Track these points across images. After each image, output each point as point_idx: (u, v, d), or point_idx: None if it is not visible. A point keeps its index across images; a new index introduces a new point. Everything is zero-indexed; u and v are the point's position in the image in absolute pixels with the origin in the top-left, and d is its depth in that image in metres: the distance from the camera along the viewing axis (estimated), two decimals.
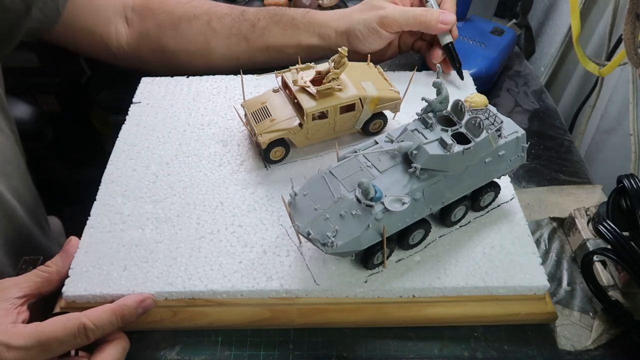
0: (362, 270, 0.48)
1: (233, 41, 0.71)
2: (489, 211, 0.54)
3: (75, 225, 0.53)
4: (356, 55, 0.67)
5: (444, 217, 0.50)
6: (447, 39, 0.67)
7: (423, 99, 0.47)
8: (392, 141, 0.48)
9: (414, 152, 0.44)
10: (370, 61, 0.62)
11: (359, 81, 0.58)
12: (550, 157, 0.67)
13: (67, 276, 0.47)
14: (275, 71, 0.58)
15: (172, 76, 0.69)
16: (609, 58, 0.73)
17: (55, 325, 0.41)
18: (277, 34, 0.70)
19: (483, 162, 0.47)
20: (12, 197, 0.59)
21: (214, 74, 0.70)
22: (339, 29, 0.67)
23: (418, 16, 0.63)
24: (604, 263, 0.52)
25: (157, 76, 0.70)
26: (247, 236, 0.51)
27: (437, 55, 0.68)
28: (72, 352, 0.44)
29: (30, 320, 0.44)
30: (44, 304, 0.47)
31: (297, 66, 0.57)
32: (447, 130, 0.45)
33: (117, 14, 0.72)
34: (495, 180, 0.52)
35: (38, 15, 0.65)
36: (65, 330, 0.41)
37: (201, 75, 0.70)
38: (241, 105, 0.59)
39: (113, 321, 0.43)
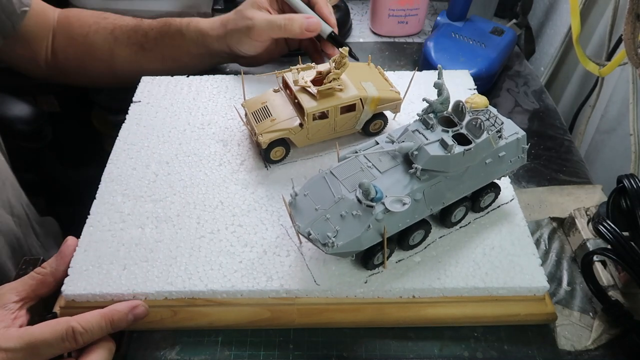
0: (362, 271, 0.48)
1: (133, 50, 0.72)
2: (489, 212, 0.54)
3: (75, 225, 0.53)
4: (243, 59, 0.70)
5: (444, 217, 0.50)
6: (327, 31, 0.67)
7: (424, 99, 0.47)
8: (392, 142, 0.48)
9: (415, 152, 0.44)
10: (262, 62, 0.65)
11: (360, 81, 0.58)
12: (550, 157, 0.67)
13: (64, 276, 0.47)
14: (276, 71, 0.58)
15: (96, 87, 0.71)
16: (609, 58, 0.73)
17: (44, 329, 0.42)
18: (169, 44, 0.71)
19: (483, 163, 0.47)
20: (3, 212, 0.60)
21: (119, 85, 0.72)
22: (220, 36, 0.68)
23: (282, 26, 0.63)
24: (604, 263, 0.52)
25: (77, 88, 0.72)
26: (247, 236, 0.51)
27: (328, 46, 0.69)
28: (66, 355, 0.44)
29: (30, 322, 0.45)
30: (43, 305, 0.47)
31: (297, 66, 0.57)
32: (447, 131, 0.45)
33: (49, 29, 0.73)
34: (496, 181, 0.52)
35: None
36: (54, 333, 0.41)
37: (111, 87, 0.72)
38: (242, 104, 0.59)
39: (102, 325, 0.43)
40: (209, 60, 0.72)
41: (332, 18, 0.68)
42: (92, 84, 0.76)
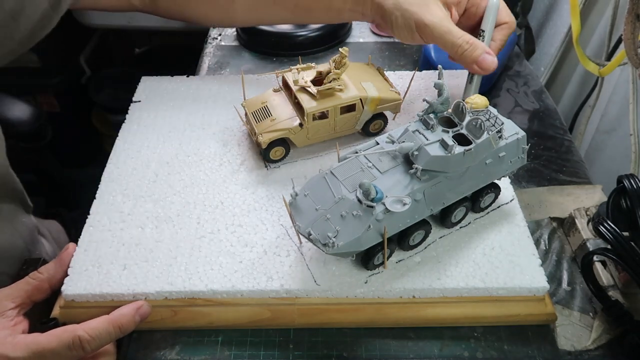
0: (362, 271, 0.48)
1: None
2: (489, 212, 0.54)
3: (75, 224, 0.53)
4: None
5: (445, 218, 0.50)
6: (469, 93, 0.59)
7: (424, 100, 0.47)
8: (393, 142, 0.48)
9: (415, 153, 0.44)
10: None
11: (360, 82, 0.58)
12: (550, 157, 0.67)
13: (61, 283, 0.47)
14: (276, 71, 0.58)
15: (192, 30, 0.65)
16: (609, 58, 0.73)
17: (51, 337, 0.42)
18: None
19: (484, 164, 0.47)
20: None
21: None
22: (377, 1, 0.58)
23: (457, 47, 0.55)
24: (604, 263, 0.52)
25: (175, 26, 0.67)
26: (248, 236, 0.51)
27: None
28: None
29: (31, 328, 0.45)
30: (42, 308, 0.47)
31: (297, 66, 0.57)
32: (448, 132, 0.45)
33: None
34: (496, 181, 0.52)
35: None
36: (60, 341, 0.41)
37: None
38: (242, 104, 0.59)
39: (110, 331, 0.43)
40: (345, 17, 0.62)
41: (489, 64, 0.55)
42: (196, 25, 0.67)
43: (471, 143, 0.45)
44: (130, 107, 0.65)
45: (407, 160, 0.46)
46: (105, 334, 0.43)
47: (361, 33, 0.90)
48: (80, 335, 0.42)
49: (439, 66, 0.48)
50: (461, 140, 0.45)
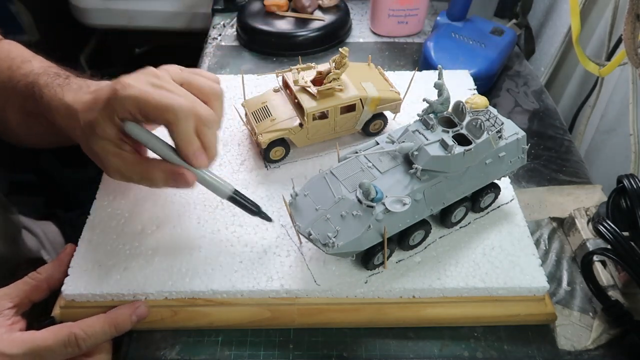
0: (362, 271, 0.48)
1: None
2: (489, 212, 0.54)
3: (75, 225, 0.53)
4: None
5: (445, 218, 0.50)
6: (226, 191, 0.48)
7: (424, 99, 0.47)
8: (393, 142, 0.48)
9: (415, 153, 0.44)
10: None
11: (360, 82, 0.58)
12: (550, 157, 0.67)
13: (60, 284, 0.47)
14: (276, 71, 0.58)
15: None
16: (609, 58, 0.73)
17: (47, 334, 0.42)
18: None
19: (483, 164, 0.47)
20: None
21: None
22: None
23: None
24: (604, 263, 0.52)
25: None
26: (248, 236, 0.51)
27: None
28: None
29: (28, 324, 0.45)
30: (42, 307, 0.47)
31: (297, 66, 0.57)
32: (448, 132, 0.45)
33: None
34: (496, 181, 0.52)
35: None
36: (56, 339, 0.42)
37: None
38: (242, 104, 0.59)
39: (106, 330, 0.44)
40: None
41: (201, 158, 0.44)
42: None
43: (471, 143, 0.45)
44: None
45: (407, 160, 0.46)
46: (101, 332, 0.43)
47: (361, 33, 0.90)
48: (76, 333, 0.42)
49: (439, 66, 0.48)
50: (461, 140, 0.45)
